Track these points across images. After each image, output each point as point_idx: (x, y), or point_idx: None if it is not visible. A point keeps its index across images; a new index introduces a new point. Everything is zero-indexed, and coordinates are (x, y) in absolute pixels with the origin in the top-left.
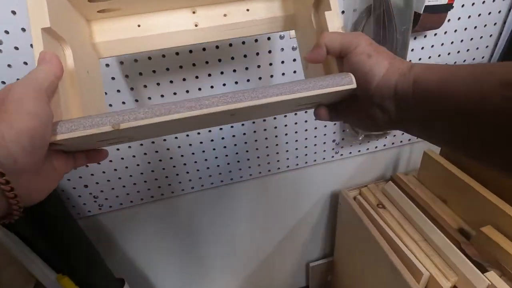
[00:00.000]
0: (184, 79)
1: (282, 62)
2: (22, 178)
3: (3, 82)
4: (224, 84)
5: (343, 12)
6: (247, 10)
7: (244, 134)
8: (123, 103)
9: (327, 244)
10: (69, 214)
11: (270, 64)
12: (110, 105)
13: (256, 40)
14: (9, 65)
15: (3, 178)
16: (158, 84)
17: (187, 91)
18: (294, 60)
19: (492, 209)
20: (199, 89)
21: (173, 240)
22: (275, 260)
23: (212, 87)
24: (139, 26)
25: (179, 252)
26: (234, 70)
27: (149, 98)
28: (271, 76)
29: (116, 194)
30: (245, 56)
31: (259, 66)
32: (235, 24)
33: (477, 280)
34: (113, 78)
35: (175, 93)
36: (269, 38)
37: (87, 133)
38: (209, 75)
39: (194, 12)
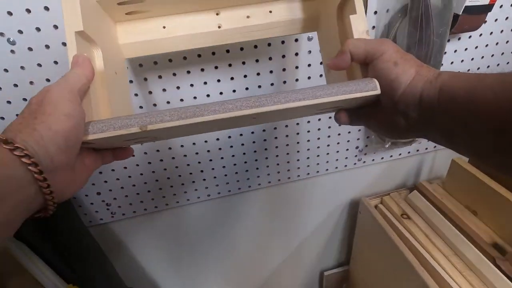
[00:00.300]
0: (205, 83)
1: (309, 65)
2: (57, 176)
3: (15, 85)
4: (246, 88)
5: (375, 12)
6: (270, 11)
7: (254, 142)
8: (140, 107)
9: (342, 252)
10: (80, 221)
11: (296, 67)
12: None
13: (283, 42)
14: (22, 67)
15: (41, 176)
16: (178, 87)
17: (208, 95)
18: (321, 63)
19: None
20: (221, 93)
21: (185, 250)
22: (288, 268)
23: (234, 91)
24: (164, 27)
25: (191, 262)
26: (258, 74)
27: (168, 102)
28: (296, 80)
29: (129, 202)
30: (270, 58)
31: (284, 70)
32: (258, 26)
33: None
34: (131, 81)
35: (195, 97)
36: (296, 40)
37: (116, 133)
38: (232, 78)
39: (217, 14)
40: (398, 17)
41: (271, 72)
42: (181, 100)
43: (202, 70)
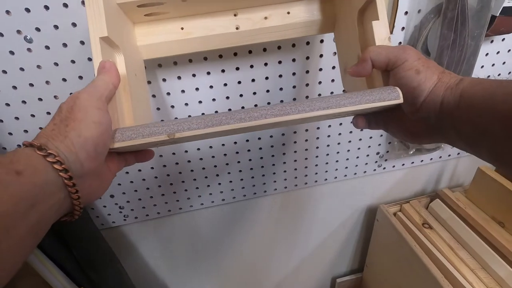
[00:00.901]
0: (225, 84)
1: (320, 69)
2: (85, 181)
3: (31, 84)
4: (267, 91)
5: (406, 13)
6: (288, 13)
7: (272, 146)
8: (158, 109)
9: (356, 260)
10: (93, 224)
11: (320, 69)
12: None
13: (308, 43)
14: (38, 66)
15: (71, 181)
16: (197, 89)
17: (227, 97)
18: (333, 67)
19: None
20: (241, 95)
21: (197, 254)
22: (300, 274)
23: (254, 93)
24: (182, 29)
25: (202, 267)
26: (294, 73)
27: (186, 104)
28: (319, 82)
29: (142, 205)
30: (293, 60)
31: (307, 71)
32: (276, 27)
33: None
34: (149, 82)
35: (214, 99)
36: (308, 43)
37: (145, 141)
38: (253, 80)
39: (235, 15)
40: (430, 18)
41: (293, 74)
42: (200, 102)
43: (223, 71)
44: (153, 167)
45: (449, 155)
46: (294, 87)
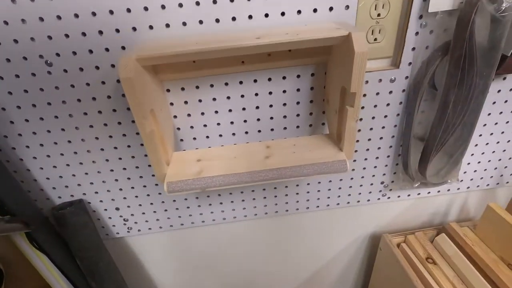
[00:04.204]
0: (244, 109)
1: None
2: None
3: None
4: (258, 119)
5: (413, 49)
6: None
7: None
8: (178, 128)
9: (358, 287)
10: (97, 235)
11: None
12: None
13: (298, 76)
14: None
15: None
16: (216, 112)
17: (245, 121)
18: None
19: None
20: (245, 121)
21: (197, 270)
22: None
23: (271, 118)
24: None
25: (203, 282)
26: (284, 104)
27: (205, 125)
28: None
29: (146, 219)
30: (284, 91)
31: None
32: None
33: None
34: (171, 104)
35: (232, 122)
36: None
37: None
38: (271, 106)
39: None
40: (438, 55)
41: (284, 104)
42: (218, 124)
43: (242, 96)
44: (158, 184)
45: (458, 189)
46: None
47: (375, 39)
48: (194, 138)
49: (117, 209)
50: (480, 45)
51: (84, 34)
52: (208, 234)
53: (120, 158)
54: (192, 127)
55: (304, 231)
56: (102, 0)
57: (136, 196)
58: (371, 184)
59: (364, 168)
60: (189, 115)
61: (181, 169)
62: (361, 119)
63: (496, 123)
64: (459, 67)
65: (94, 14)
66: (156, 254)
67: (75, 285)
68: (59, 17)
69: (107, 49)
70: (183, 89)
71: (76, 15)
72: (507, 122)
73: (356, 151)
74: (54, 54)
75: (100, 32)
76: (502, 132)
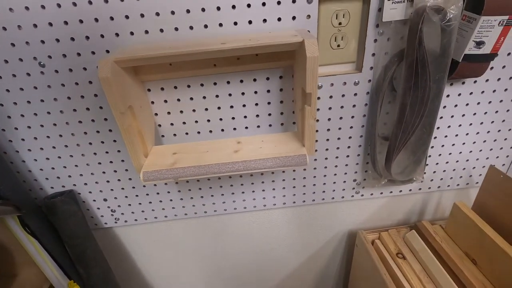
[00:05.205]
0: (219, 108)
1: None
2: None
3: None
4: (233, 118)
5: (373, 54)
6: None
7: None
8: (159, 125)
9: (340, 283)
10: (86, 224)
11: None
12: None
13: (267, 78)
14: (48, 86)
15: None
16: (194, 110)
17: (221, 119)
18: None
19: None
20: (220, 119)
21: (183, 260)
22: None
23: (245, 117)
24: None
25: (188, 273)
26: (256, 103)
27: (184, 123)
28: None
29: (132, 210)
30: (255, 92)
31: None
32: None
33: None
34: (152, 102)
35: (208, 120)
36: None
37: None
38: (244, 105)
39: None
40: (394, 60)
41: (256, 104)
42: (196, 121)
43: (217, 96)
44: None
45: (429, 188)
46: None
47: (338, 45)
48: (174, 135)
49: (105, 200)
50: (432, 51)
51: (72, 39)
52: (190, 226)
53: (107, 152)
54: (172, 124)
55: (281, 227)
56: (87, 9)
57: (123, 188)
58: (344, 181)
59: (336, 166)
60: (169, 113)
61: (157, 160)
62: (329, 119)
63: (460, 125)
64: (412, 71)
65: (81, 21)
66: (142, 245)
67: (64, 270)
68: (50, 24)
69: (93, 52)
70: (162, 89)
71: (66, 22)
72: (470, 124)
73: (327, 149)
74: (47, 57)
75: (87, 38)
76: (467, 134)
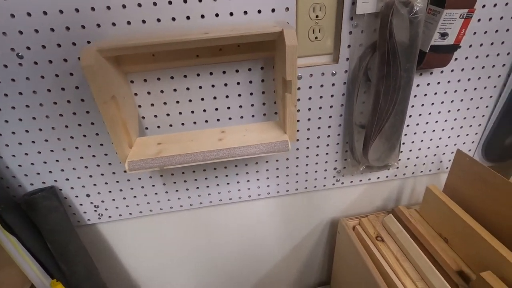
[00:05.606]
0: (202, 99)
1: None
2: None
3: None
4: (216, 109)
5: (349, 46)
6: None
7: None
8: (143, 117)
9: (324, 270)
10: (69, 220)
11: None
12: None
13: (249, 69)
14: (27, 78)
15: None
16: (177, 102)
17: (204, 110)
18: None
19: (493, 254)
20: (204, 110)
21: (168, 255)
22: (270, 283)
23: (228, 107)
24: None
25: (174, 268)
26: (239, 94)
27: (168, 114)
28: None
29: (116, 205)
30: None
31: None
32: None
33: None
34: (136, 94)
35: (192, 112)
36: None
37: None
38: (227, 96)
39: None
40: (369, 51)
41: (239, 95)
42: (180, 113)
43: (200, 87)
44: (126, 171)
45: (404, 174)
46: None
47: (316, 38)
48: (158, 127)
49: (88, 195)
50: (402, 42)
51: (52, 29)
52: (176, 220)
53: (89, 146)
54: (155, 116)
55: (270, 218)
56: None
57: (106, 183)
58: (325, 170)
59: (317, 155)
60: (152, 104)
61: (142, 150)
62: (309, 109)
63: (429, 113)
64: (384, 61)
65: (61, 11)
66: (127, 241)
67: (45, 267)
68: (29, 14)
69: (74, 43)
70: (145, 80)
71: (45, 13)
72: (439, 112)
73: (308, 138)
74: (25, 48)
75: (67, 28)
76: (436, 122)
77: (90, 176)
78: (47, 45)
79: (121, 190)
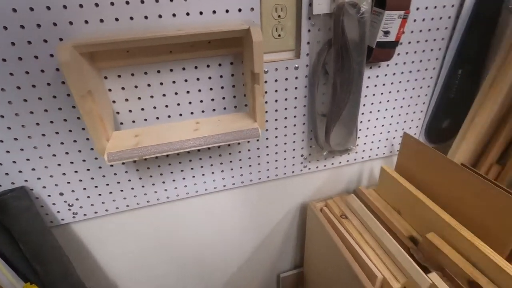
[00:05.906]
0: (176, 93)
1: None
2: None
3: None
4: (190, 102)
5: (308, 43)
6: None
7: (209, 149)
8: (117, 113)
9: (297, 255)
10: (42, 221)
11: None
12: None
13: (220, 64)
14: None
15: None
16: (151, 96)
17: (178, 104)
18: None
19: (436, 219)
20: (178, 104)
21: (145, 251)
22: (246, 271)
23: (201, 101)
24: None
25: (151, 263)
26: (211, 88)
27: (142, 109)
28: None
29: (91, 203)
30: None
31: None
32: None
33: (421, 281)
34: (110, 90)
35: (166, 106)
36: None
37: (127, 160)
38: (199, 90)
39: None
40: (325, 47)
41: (211, 89)
42: (154, 107)
43: (174, 82)
44: (101, 167)
45: (362, 158)
46: (212, 100)
47: (279, 35)
48: (133, 121)
49: (61, 194)
50: (353, 39)
51: (22, 26)
52: (154, 214)
53: (62, 143)
54: (130, 111)
55: (240, 206)
56: None
57: (80, 180)
58: (293, 157)
59: (285, 143)
60: (126, 100)
61: (120, 143)
62: (276, 101)
63: (380, 102)
64: (339, 56)
65: (32, 9)
66: (104, 239)
67: (18, 272)
68: None
69: (45, 41)
70: (119, 76)
71: (14, 10)
72: (388, 101)
73: (276, 128)
74: None
75: (38, 26)
76: (386, 109)
77: (64, 173)
78: (17, 42)
79: (96, 186)
